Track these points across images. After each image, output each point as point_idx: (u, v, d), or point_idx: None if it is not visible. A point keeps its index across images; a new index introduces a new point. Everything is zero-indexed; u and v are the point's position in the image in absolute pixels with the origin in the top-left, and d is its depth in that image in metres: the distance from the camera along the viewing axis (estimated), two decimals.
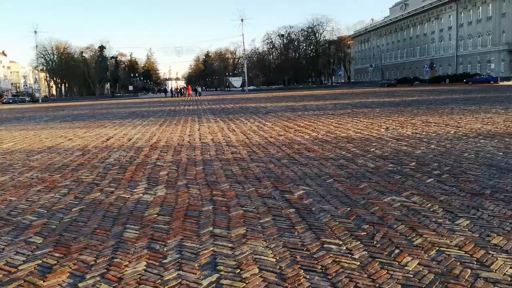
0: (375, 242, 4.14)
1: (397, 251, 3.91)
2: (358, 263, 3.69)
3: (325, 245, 4.10)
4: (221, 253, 4.02)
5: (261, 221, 4.88)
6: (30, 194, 6.72)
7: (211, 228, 4.69)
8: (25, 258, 4.10)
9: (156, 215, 5.27)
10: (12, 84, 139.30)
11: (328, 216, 4.95)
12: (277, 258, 3.85)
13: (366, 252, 3.91)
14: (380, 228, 4.49)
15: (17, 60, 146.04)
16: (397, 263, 3.66)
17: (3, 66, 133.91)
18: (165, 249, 4.16)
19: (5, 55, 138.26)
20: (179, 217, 5.13)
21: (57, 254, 4.15)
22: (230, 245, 4.20)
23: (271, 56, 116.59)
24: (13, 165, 9.55)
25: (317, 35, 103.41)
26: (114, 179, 7.51)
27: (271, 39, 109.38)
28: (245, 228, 4.64)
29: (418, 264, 3.63)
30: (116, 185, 7.07)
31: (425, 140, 10.39)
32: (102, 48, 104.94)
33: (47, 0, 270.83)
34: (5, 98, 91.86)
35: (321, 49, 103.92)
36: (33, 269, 3.85)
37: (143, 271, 3.71)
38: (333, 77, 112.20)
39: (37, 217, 5.45)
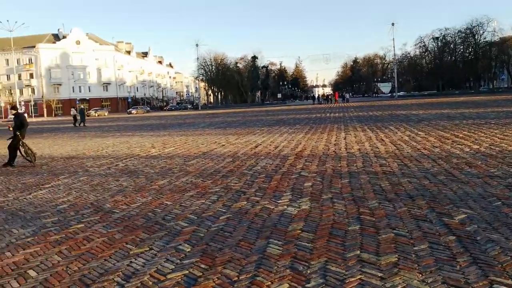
0: None
1: None
2: None
3: (494, 286, 3.46)
4: (369, 283, 3.65)
5: (415, 248, 4.35)
6: (183, 199, 7.12)
7: (358, 252, 4.33)
8: (174, 267, 4.24)
9: (299, 231, 5.09)
10: (176, 93, 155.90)
11: (497, 249, 4.21)
12: None
13: None
14: None
15: (181, 71, 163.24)
16: None
17: (170, 77, 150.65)
18: (308, 271, 3.93)
19: (171, 67, 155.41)
20: (323, 236, 4.88)
21: (202, 265, 4.22)
22: (379, 274, 3.79)
23: (424, 61, 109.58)
24: (172, 169, 10.34)
25: (476, 37, 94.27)
26: (260, 188, 7.58)
27: (424, 42, 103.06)
28: (396, 255, 4.18)
29: None
30: (261, 194, 7.12)
31: None
32: (254, 58, 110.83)
33: (207, 17, 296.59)
34: (169, 106, 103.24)
35: (481, 52, 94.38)
36: (180, 279, 3.95)
37: None
38: (495, 81, 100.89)
39: (188, 223, 5.70)
